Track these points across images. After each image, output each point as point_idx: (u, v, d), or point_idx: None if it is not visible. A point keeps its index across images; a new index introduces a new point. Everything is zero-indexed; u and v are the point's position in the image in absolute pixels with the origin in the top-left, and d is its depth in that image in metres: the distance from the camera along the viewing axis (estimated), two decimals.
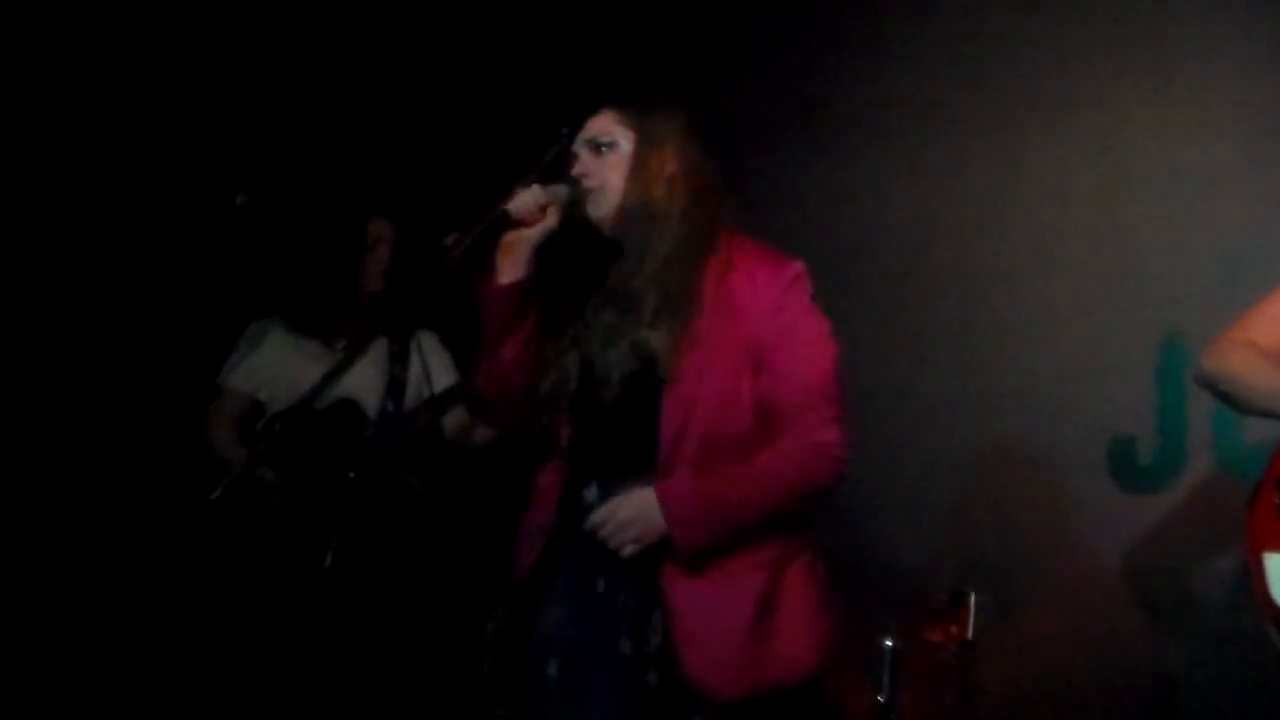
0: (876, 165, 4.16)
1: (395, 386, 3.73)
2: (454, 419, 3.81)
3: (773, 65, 4.40)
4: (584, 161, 2.58)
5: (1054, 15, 3.94)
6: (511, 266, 2.54)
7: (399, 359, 3.76)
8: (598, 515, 2.45)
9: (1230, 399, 2.71)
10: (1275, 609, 2.55)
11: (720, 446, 2.47)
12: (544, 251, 2.56)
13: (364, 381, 3.70)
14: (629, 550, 2.43)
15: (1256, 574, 2.59)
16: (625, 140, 2.57)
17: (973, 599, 3.63)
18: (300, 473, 3.64)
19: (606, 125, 2.59)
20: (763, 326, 2.48)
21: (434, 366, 3.86)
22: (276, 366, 3.84)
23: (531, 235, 2.53)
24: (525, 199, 2.52)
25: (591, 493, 2.53)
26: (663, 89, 2.71)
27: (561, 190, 2.56)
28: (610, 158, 2.56)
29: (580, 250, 2.60)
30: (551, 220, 2.54)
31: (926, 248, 4.07)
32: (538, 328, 2.59)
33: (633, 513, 2.42)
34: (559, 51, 4.70)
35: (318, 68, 4.79)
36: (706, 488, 2.44)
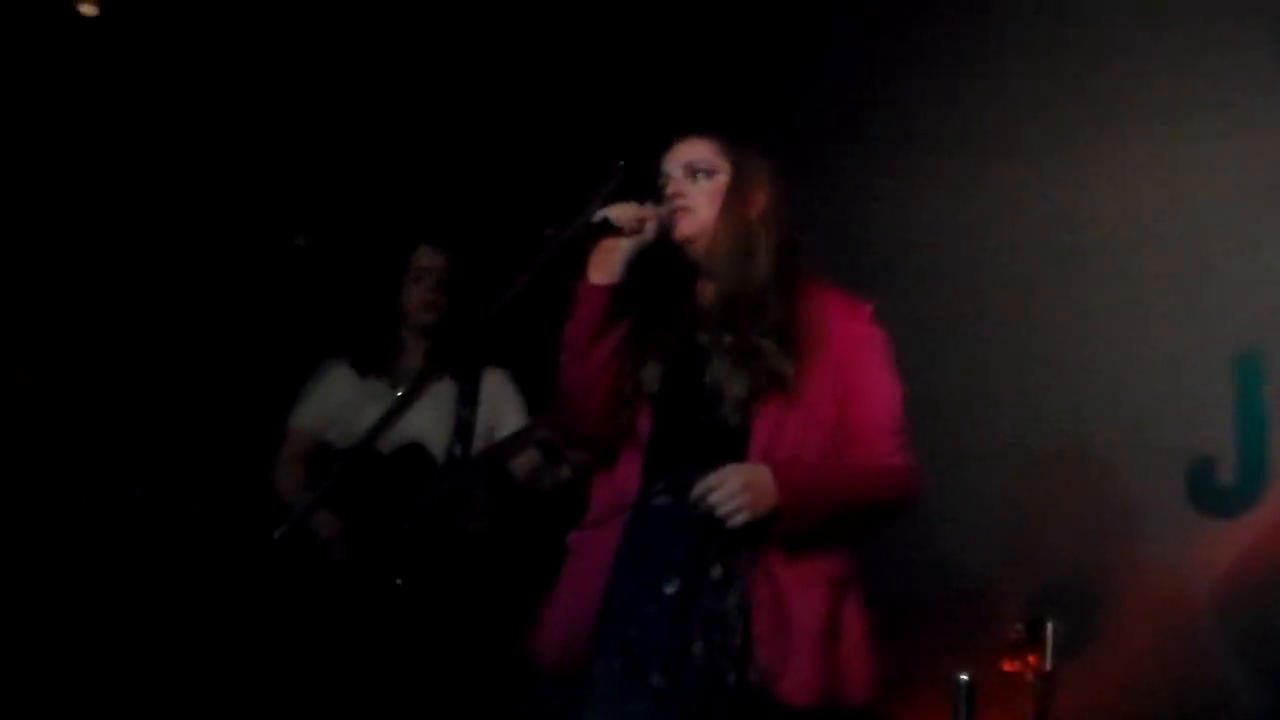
0: (951, 181, 4.14)
1: (463, 430, 3.73)
2: (524, 462, 3.75)
3: (833, 78, 4.41)
4: (679, 183, 2.65)
5: (1129, 28, 3.90)
6: (606, 269, 2.59)
7: (468, 400, 3.76)
8: (711, 478, 2.44)
9: None
10: None
11: (805, 463, 2.54)
12: (635, 263, 2.62)
13: (431, 424, 3.68)
14: (740, 518, 2.42)
15: None
16: (722, 172, 2.65)
17: (1050, 628, 3.58)
18: (364, 518, 3.62)
19: (704, 153, 2.67)
20: (851, 356, 2.59)
21: (503, 409, 3.85)
22: (341, 406, 3.82)
23: (627, 245, 2.59)
24: (626, 209, 2.59)
25: (663, 499, 2.56)
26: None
27: (659, 208, 2.62)
28: (705, 185, 2.65)
29: (667, 266, 2.67)
30: (649, 233, 2.60)
31: (999, 264, 4.04)
32: (626, 334, 2.63)
33: (746, 480, 2.43)
34: (610, 83, 4.72)
35: (367, 95, 4.83)
36: (816, 475, 2.53)
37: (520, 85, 4.89)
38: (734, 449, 2.52)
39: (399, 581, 3.55)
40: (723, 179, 2.65)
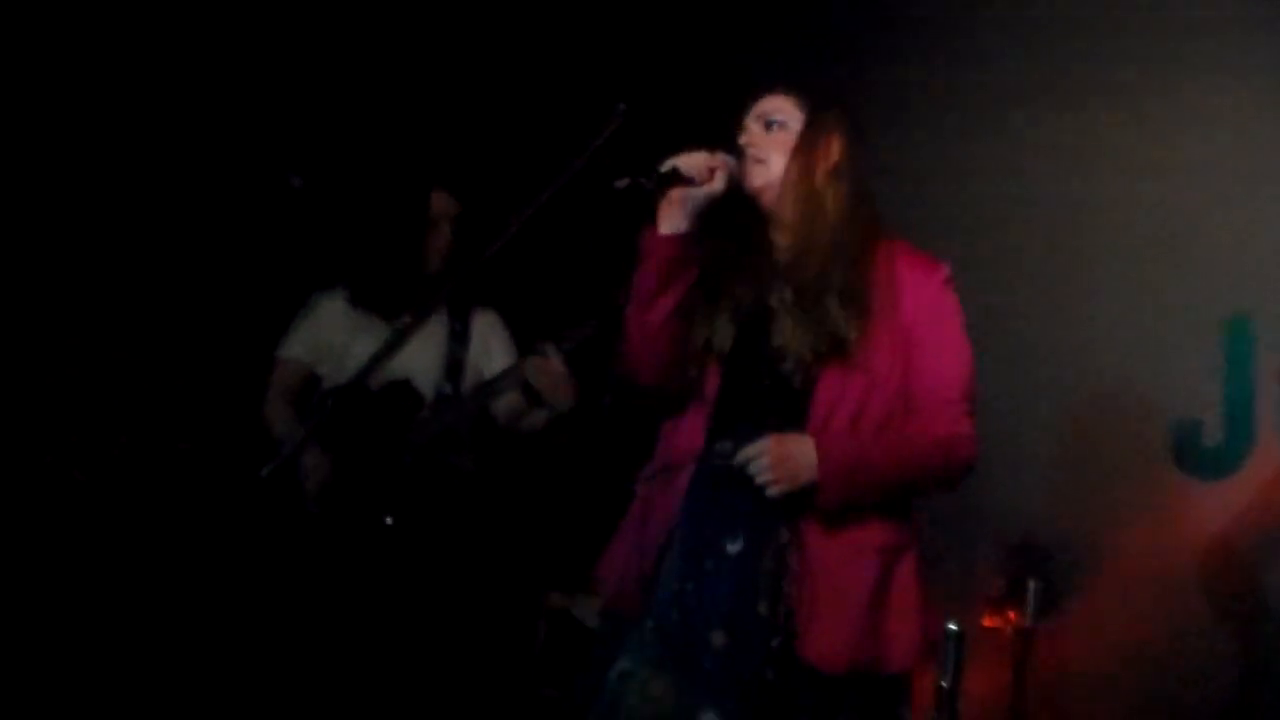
0: (943, 155, 4.14)
1: (454, 367, 3.72)
2: (507, 403, 3.74)
3: (836, 45, 4.39)
4: (752, 133, 2.63)
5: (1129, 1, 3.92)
6: (674, 219, 2.56)
7: (459, 338, 3.75)
8: (751, 449, 2.45)
9: None
10: None
11: (865, 428, 2.51)
12: (706, 214, 2.58)
13: (421, 361, 3.66)
14: (776, 490, 2.43)
15: None
16: (795, 122, 2.61)
17: (1032, 586, 3.61)
18: (354, 453, 3.61)
19: (779, 104, 2.64)
20: (921, 319, 2.55)
21: (494, 348, 3.84)
22: (334, 340, 3.80)
23: (697, 195, 2.55)
24: (696, 159, 2.55)
25: (726, 447, 2.53)
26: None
27: (730, 158, 2.59)
28: (778, 135, 2.61)
29: (739, 218, 2.64)
30: (719, 184, 2.56)
31: (987, 234, 4.03)
32: (693, 287, 2.60)
33: (788, 451, 2.43)
34: (619, 29, 4.70)
35: (376, 43, 4.79)
36: (860, 446, 2.48)
37: (523, 26, 4.86)
38: (795, 412, 2.51)
39: (389, 520, 3.54)
40: (795, 128, 2.61)
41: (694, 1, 4.66)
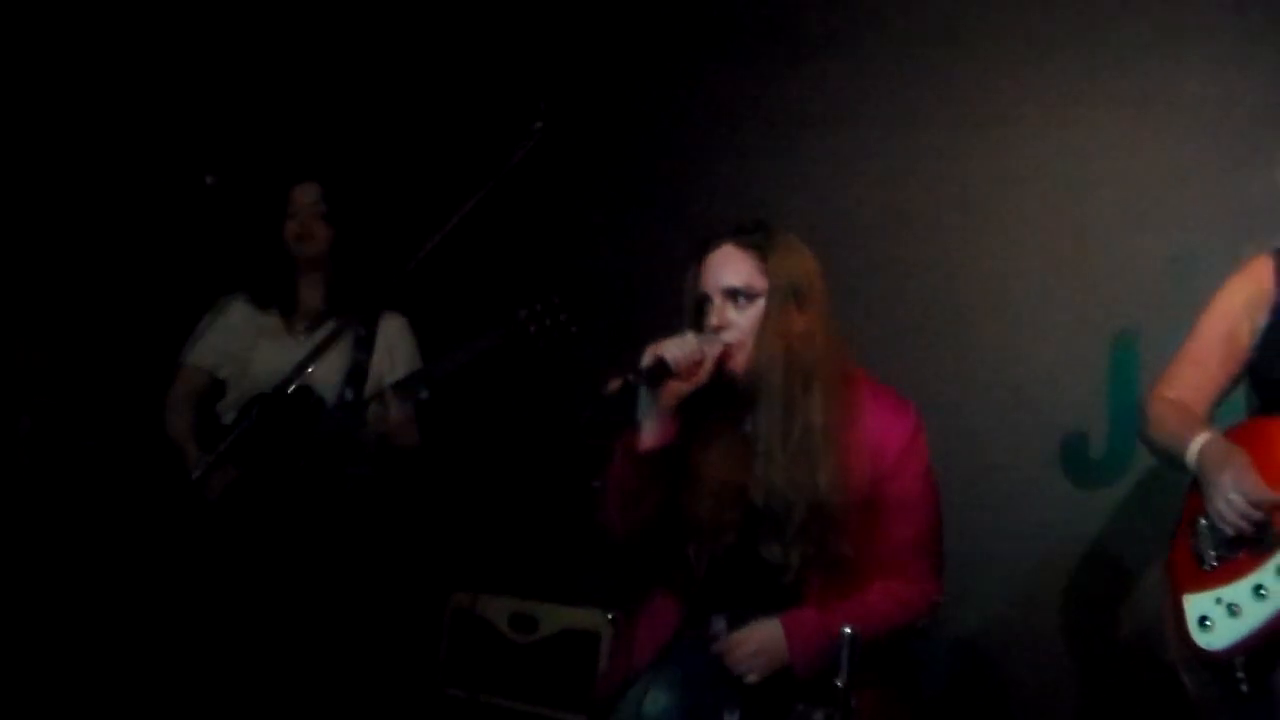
0: (841, 155, 4.18)
1: (357, 373, 3.73)
2: (397, 414, 3.65)
3: (745, 62, 4.45)
4: (721, 312, 2.64)
5: (1012, 13, 3.97)
6: (661, 427, 2.61)
7: (363, 344, 3.76)
8: (725, 642, 2.60)
9: (1164, 460, 2.84)
10: (1194, 649, 2.59)
11: (842, 568, 2.63)
12: (687, 403, 2.63)
13: (323, 367, 3.62)
14: (751, 679, 2.58)
15: (1176, 615, 2.63)
16: (759, 283, 2.64)
17: None
18: (254, 458, 3.62)
19: (742, 272, 2.65)
20: (888, 471, 2.64)
21: (398, 355, 3.86)
22: (236, 343, 3.83)
23: (684, 391, 2.60)
24: (684, 348, 2.56)
25: (719, 623, 2.68)
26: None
27: (715, 343, 2.60)
28: (749, 310, 2.64)
29: (717, 399, 2.67)
30: (703, 377, 2.60)
31: (882, 240, 4.08)
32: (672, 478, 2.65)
33: (759, 645, 2.59)
34: (531, 32, 4.73)
35: (281, 40, 4.80)
36: (825, 624, 2.58)
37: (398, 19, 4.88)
38: (787, 598, 2.64)
39: (278, 522, 3.56)
40: (759, 289, 2.64)
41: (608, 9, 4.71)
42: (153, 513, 3.74)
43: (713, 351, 2.60)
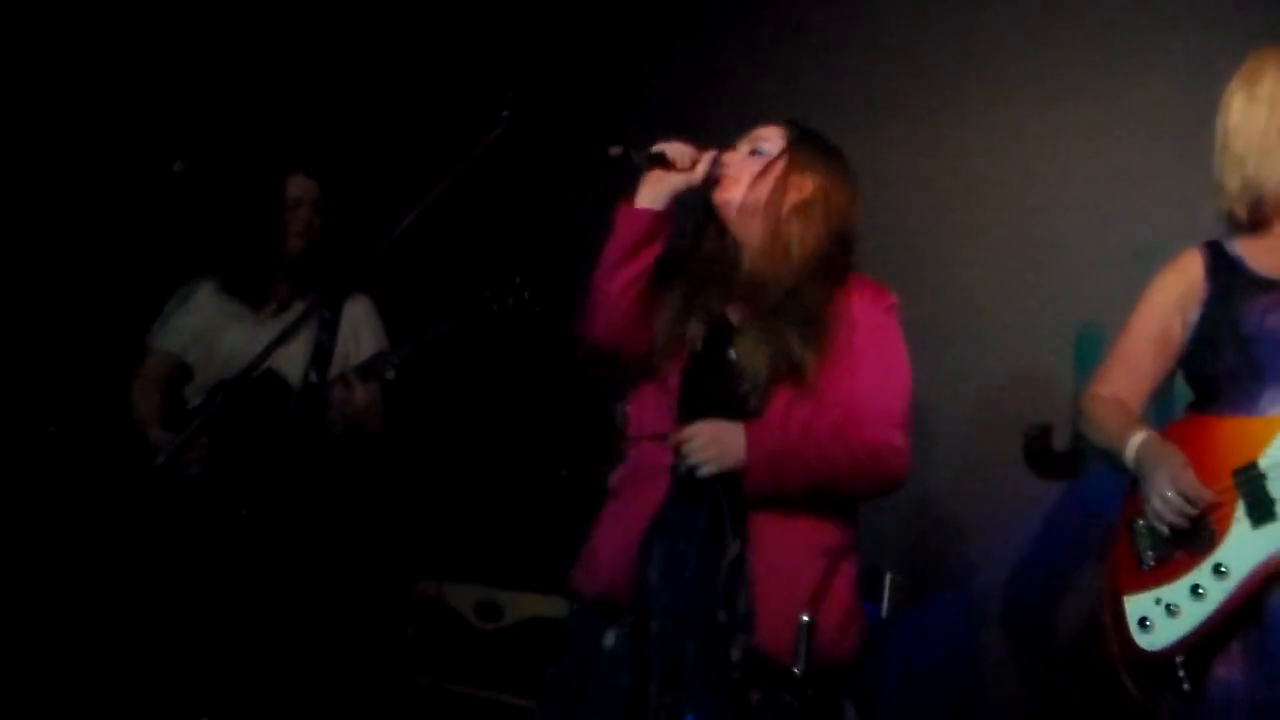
0: None
1: (321, 355, 3.73)
2: (362, 396, 3.63)
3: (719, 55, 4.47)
4: (734, 153, 2.78)
5: (972, 9, 4.01)
6: (652, 195, 2.71)
7: (328, 326, 3.76)
8: (686, 431, 2.62)
9: (1103, 459, 2.83)
10: (1135, 651, 2.60)
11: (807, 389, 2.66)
12: (679, 204, 2.74)
13: (288, 350, 3.56)
14: (706, 470, 2.59)
15: (1116, 617, 2.64)
16: (777, 154, 2.76)
17: (888, 578, 3.71)
18: (221, 443, 3.62)
19: (771, 134, 2.80)
20: (864, 338, 2.69)
21: (364, 336, 3.85)
22: (205, 329, 3.81)
23: (676, 180, 2.72)
24: (682, 148, 2.71)
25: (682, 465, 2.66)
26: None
27: (712, 155, 2.74)
28: (757, 161, 2.77)
29: (711, 230, 2.80)
30: (698, 174, 2.73)
31: None
32: (667, 281, 2.75)
33: (718, 434, 2.60)
34: (498, 19, 4.74)
35: (251, 25, 4.79)
36: (788, 438, 2.62)
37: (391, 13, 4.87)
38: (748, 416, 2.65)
39: (243, 512, 3.55)
40: (774, 160, 2.75)
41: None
42: (117, 498, 3.74)
43: (708, 157, 2.73)
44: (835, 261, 2.74)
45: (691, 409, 2.69)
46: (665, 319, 2.74)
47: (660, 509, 2.67)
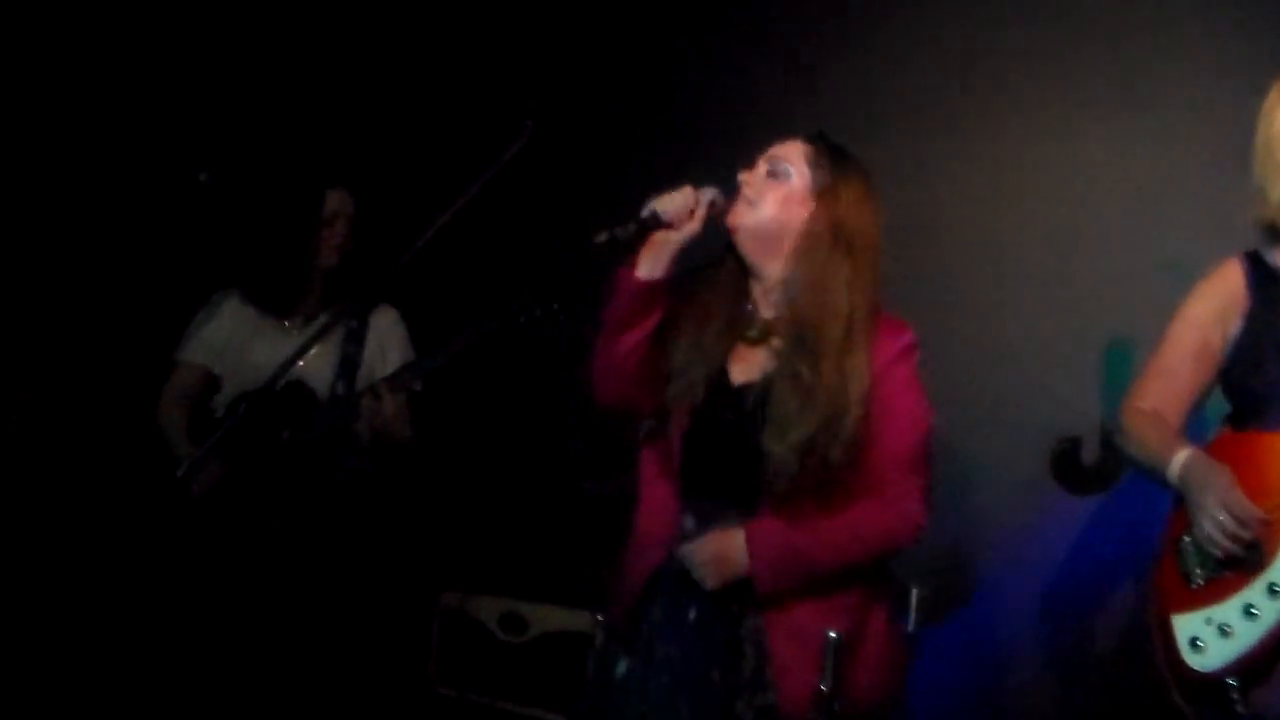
0: None
1: (348, 366, 3.73)
2: (390, 407, 3.62)
3: (751, 61, 4.46)
4: (754, 174, 2.66)
5: (1004, 22, 3.98)
6: (653, 264, 2.61)
7: (354, 337, 3.76)
8: (686, 550, 2.58)
9: (1143, 474, 2.78)
10: (1185, 670, 2.55)
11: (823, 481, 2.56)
12: (683, 253, 2.65)
13: (315, 361, 3.67)
14: (712, 586, 2.56)
15: (1165, 636, 2.59)
16: (800, 177, 2.65)
17: (915, 594, 3.69)
18: (245, 454, 3.63)
19: (792, 153, 2.67)
20: (875, 373, 2.58)
21: (390, 348, 3.86)
22: (233, 341, 3.82)
23: (676, 239, 2.61)
24: (677, 201, 2.59)
25: (689, 522, 2.65)
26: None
27: (709, 194, 2.63)
28: (779, 184, 2.65)
29: (722, 269, 2.71)
30: (697, 225, 2.61)
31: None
32: (671, 328, 2.68)
33: (718, 552, 2.55)
34: (521, 31, 4.73)
35: (277, 39, 4.80)
36: (792, 538, 2.55)
37: (426, 28, 4.88)
38: (752, 466, 2.57)
39: (271, 518, 3.55)
40: (798, 185, 2.64)
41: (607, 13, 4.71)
42: (140, 509, 3.75)
43: (704, 198, 2.62)
44: (875, 299, 2.64)
45: (696, 483, 2.66)
46: (673, 365, 2.67)
47: (665, 570, 2.65)
